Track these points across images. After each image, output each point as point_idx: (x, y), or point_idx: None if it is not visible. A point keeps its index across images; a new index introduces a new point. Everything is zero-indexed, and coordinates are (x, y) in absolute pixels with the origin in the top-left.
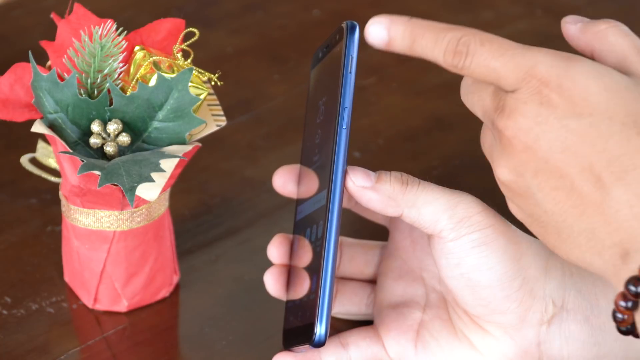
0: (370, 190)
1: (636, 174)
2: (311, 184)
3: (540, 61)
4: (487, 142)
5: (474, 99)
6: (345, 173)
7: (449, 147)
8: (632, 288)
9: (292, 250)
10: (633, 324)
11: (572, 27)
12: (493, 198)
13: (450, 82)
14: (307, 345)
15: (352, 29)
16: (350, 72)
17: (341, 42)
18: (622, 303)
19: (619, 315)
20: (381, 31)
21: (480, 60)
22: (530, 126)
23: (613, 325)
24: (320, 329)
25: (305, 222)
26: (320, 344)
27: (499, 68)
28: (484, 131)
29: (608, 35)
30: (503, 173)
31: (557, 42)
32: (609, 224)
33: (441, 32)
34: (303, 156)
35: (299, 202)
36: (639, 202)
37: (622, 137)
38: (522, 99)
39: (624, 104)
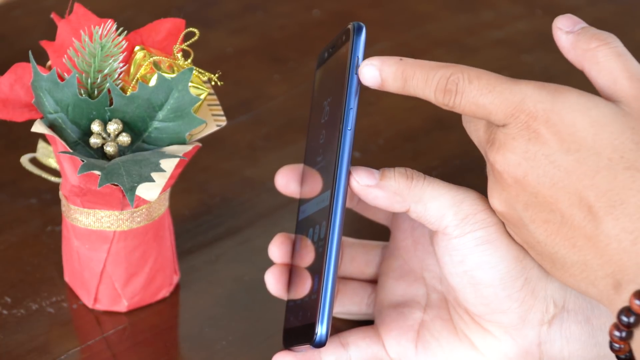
0: (375, 188)
1: (624, 208)
2: (315, 184)
3: (528, 96)
4: (488, 174)
5: (470, 128)
6: (349, 174)
7: (449, 147)
8: (624, 319)
9: (293, 250)
10: (630, 351)
11: (564, 37)
12: None
13: None
14: (308, 345)
15: (359, 30)
16: (356, 74)
17: (347, 43)
18: (617, 333)
19: (616, 345)
20: (374, 72)
21: (470, 98)
22: (519, 162)
23: None
24: (321, 329)
25: (307, 222)
26: (321, 344)
27: (487, 105)
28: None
29: (598, 55)
30: (495, 204)
31: None
32: (600, 257)
33: (431, 71)
34: (307, 156)
35: (301, 201)
36: (627, 237)
37: (609, 173)
38: (511, 134)
39: (610, 138)
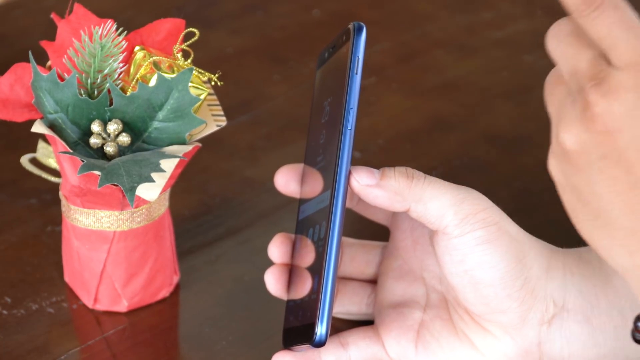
0: (375, 188)
1: None
2: (315, 184)
3: None
4: (558, 98)
5: (568, 52)
6: (349, 173)
7: (449, 148)
8: None
9: (293, 250)
10: None
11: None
12: (493, 199)
13: (450, 82)
14: (307, 345)
15: (359, 30)
16: (356, 74)
17: (347, 43)
18: None
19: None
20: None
21: (606, 20)
22: (622, 115)
23: (613, 325)
24: (321, 329)
25: (307, 221)
26: (320, 344)
27: (620, 37)
28: (557, 84)
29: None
30: (569, 139)
31: None
32: None
33: None
34: (307, 156)
35: (301, 201)
36: None
37: None
38: (626, 84)
39: None
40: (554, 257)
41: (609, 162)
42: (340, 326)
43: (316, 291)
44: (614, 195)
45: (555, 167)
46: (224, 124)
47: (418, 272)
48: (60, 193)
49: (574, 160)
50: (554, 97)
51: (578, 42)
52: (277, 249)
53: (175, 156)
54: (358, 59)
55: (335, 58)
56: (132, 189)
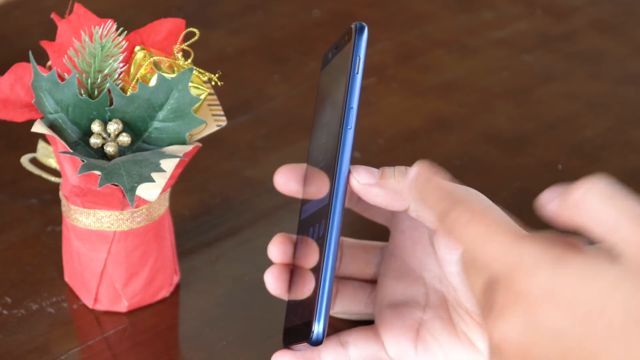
0: (375, 187)
1: None
2: (316, 184)
3: (527, 255)
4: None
5: (471, 278)
6: (348, 173)
7: (449, 148)
8: None
9: (295, 250)
10: None
11: (549, 207)
12: (493, 199)
13: (450, 82)
14: (306, 344)
15: (361, 30)
16: (357, 73)
17: (349, 43)
18: None
19: None
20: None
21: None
22: (521, 331)
23: None
24: (318, 327)
25: (308, 221)
26: (317, 342)
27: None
28: None
29: (588, 202)
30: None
31: (557, 43)
32: None
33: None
34: (310, 156)
35: (303, 201)
36: None
37: (626, 339)
38: (510, 299)
39: (621, 304)
40: None
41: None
42: (340, 326)
43: (314, 289)
44: None
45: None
46: (224, 124)
47: (418, 272)
48: (61, 193)
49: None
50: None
51: (475, 269)
52: (276, 249)
53: (175, 156)
54: (359, 58)
55: (338, 58)
56: (132, 189)
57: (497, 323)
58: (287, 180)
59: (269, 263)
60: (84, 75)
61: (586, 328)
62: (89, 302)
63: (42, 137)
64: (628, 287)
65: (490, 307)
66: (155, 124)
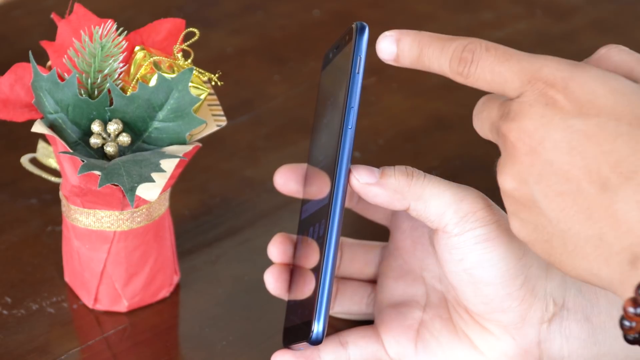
0: (375, 186)
1: None
2: (316, 183)
3: (546, 65)
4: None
5: (483, 117)
6: (349, 172)
7: (449, 147)
8: None
9: (295, 249)
10: None
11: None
12: (493, 198)
13: (450, 82)
14: (305, 343)
15: (362, 30)
16: (358, 73)
17: (350, 43)
18: (632, 309)
19: (627, 323)
20: (390, 45)
21: (486, 66)
22: (536, 127)
23: (613, 324)
24: (317, 327)
25: (308, 221)
26: (317, 342)
27: (504, 72)
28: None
29: (611, 56)
30: (506, 181)
31: (557, 42)
32: (617, 227)
33: (447, 41)
34: (310, 155)
35: (304, 201)
36: None
37: (630, 138)
38: (528, 102)
39: (631, 106)
40: None
41: (547, 180)
42: (340, 326)
43: (314, 289)
44: (566, 211)
45: (514, 223)
46: (224, 124)
47: (418, 271)
48: (61, 193)
49: (519, 200)
50: (501, 151)
51: (487, 105)
52: (276, 249)
53: (175, 156)
54: (360, 58)
55: (339, 58)
56: (132, 189)
57: (512, 123)
58: (287, 180)
59: (269, 263)
60: (84, 75)
61: (596, 122)
62: (89, 302)
63: (42, 137)
64: (638, 96)
65: (506, 113)
66: (155, 124)
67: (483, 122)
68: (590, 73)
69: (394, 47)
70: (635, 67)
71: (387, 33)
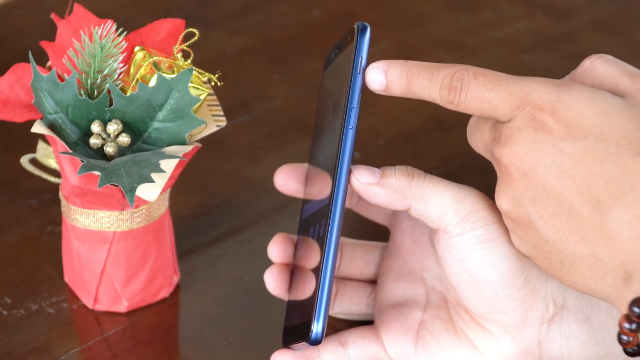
0: (376, 186)
1: (634, 194)
2: (317, 183)
3: (534, 88)
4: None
5: (476, 136)
6: (349, 172)
7: (449, 148)
8: (636, 310)
9: (295, 249)
10: (639, 345)
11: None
12: (493, 198)
13: None
14: (305, 343)
15: (363, 30)
16: (359, 73)
17: (352, 43)
18: (627, 325)
19: (624, 338)
20: (379, 76)
21: (475, 94)
22: (526, 152)
23: (613, 324)
24: (317, 327)
25: (309, 221)
26: (316, 342)
27: (493, 99)
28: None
29: (595, 69)
30: (502, 203)
31: (557, 42)
32: (610, 247)
33: (435, 69)
34: (311, 155)
35: (305, 201)
36: (639, 223)
37: (618, 159)
38: (517, 127)
39: (617, 126)
40: None
41: (541, 202)
42: (340, 326)
43: (314, 289)
44: (561, 232)
45: (515, 239)
46: (224, 124)
47: (418, 272)
48: (60, 193)
49: (516, 220)
50: (497, 173)
51: (480, 124)
52: (276, 249)
53: (175, 156)
54: (361, 58)
55: (340, 58)
56: (132, 190)
57: (504, 149)
58: (287, 180)
59: (269, 263)
60: (83, 75)
61: (585, 145)
62: (88, 302)
63: (42, 137)
64: (625, 113)
65: (498, 137)
66: (155, 124)
67: (477, 142)
68: (577, 93)
69: (383, 77)
70: (619, 80)
71: (375, 64)
